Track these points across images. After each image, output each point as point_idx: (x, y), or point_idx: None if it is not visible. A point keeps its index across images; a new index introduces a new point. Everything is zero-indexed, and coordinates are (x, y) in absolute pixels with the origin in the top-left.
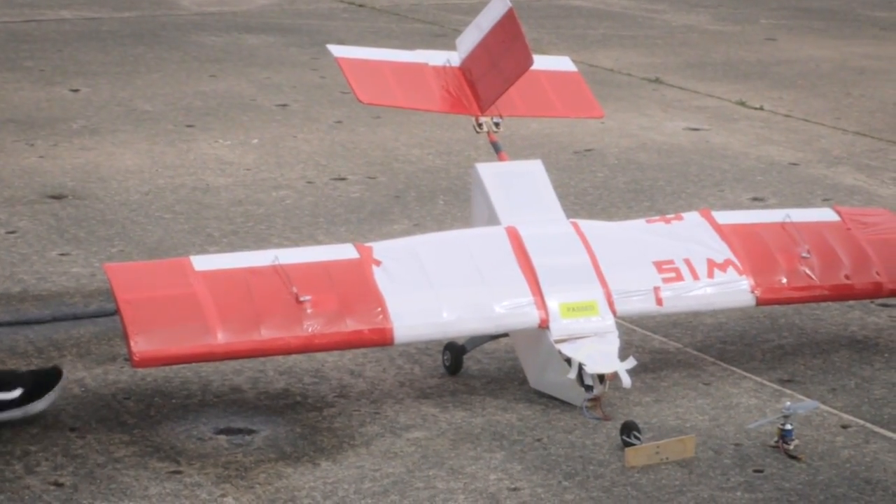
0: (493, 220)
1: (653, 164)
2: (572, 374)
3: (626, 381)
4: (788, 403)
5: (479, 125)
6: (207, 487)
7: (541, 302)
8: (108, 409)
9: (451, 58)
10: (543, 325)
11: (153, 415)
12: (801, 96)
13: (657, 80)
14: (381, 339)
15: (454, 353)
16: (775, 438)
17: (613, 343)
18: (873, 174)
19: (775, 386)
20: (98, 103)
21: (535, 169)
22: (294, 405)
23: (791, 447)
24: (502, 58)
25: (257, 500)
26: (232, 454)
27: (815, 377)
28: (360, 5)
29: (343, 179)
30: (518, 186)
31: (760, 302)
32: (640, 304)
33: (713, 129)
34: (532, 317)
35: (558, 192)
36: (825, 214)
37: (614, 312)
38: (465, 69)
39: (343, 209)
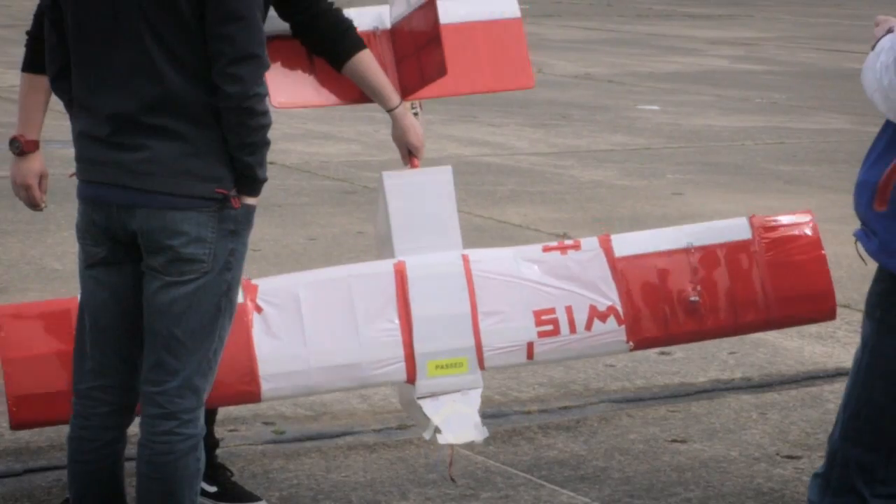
0: (388, 240)
1: None
2: (427, 435)
3: (479, 440)
4: None
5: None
6: None
7: (410, 359)
8: None
9: (382, 16)
10: (410, 382)
11: None
12: None
13: (565, 235)
14: (248, 399)
15: None
16: None
17: (474, 402)
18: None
19: None
20: (7, 262)
21: (442, 178)
22: None
23: None
24: (422, 49)
25: None
26: None
27: None
28: (271, 162)
29: None
30: (420, 202)
31: (635, 349)
32: (510, 359)
33: None
34: (399, 374)
35: None
36: (736, 231)
37: (482, 368)
38: (395, 38)
39: None
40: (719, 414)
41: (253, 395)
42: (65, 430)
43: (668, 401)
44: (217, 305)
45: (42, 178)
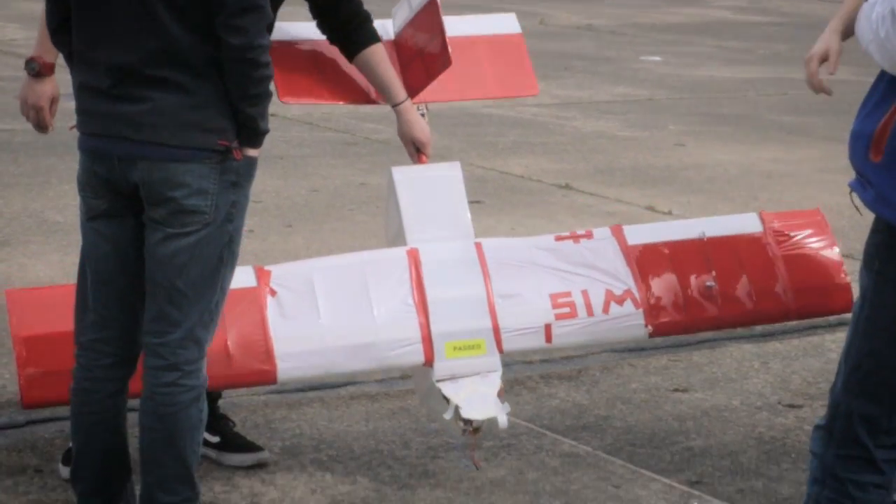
0: (400, 233)
1: None
2: (448, 415)
3: (503, 422)
4: None
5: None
6: None
7: (427, 340)
8: None
9: (386, 27)
10: (428, 364)
11: None
12: (710, 200)
13: (567, 186)
14: (264, 380)
15: None
16: None
17: (494, 383)
18: None
19: (684, 487)
20: (9, 215)
21: (451, 174)
22: None
23: None
24: (426, 48)
25: None
26: None
27: (724, 478)
28: (273, 114)
29: None
30: (430, 196)
31: (653, 335)
32: (529, 341)
33: None
34: (417, 356)
35: None
36: (748, 223)
37: (501, 350)
38: (398, 46)
39: None
40: (721, 363)
41: (269, 375)
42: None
43: (670, 350)
44: (219, 257)
45: (53, 101)
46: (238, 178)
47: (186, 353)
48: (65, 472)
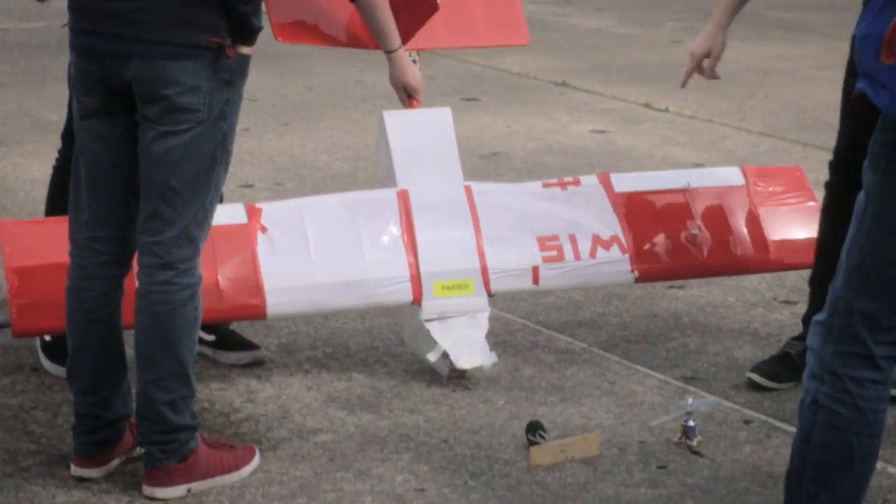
0: (390, 173)
1: (559, 166)
2: (434, 357)
3: (488, 365)
4: (691, 400)
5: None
6: (115, 494)
7: (416, 279)
8: (15, 420)
9: None
10: (416, 303)
11: (60, 424)
12: (707, 98)
13: (563, 84)
14: (254, 314)
15: None
16: (679, 435)
17: (482, 326)
18: None
19: (679, 383)
20: (4, 114)
21: (442, 119)
22: (201, 411)
23: (694, 443)
24: None
25: None
26: (138, 462)
27: (719, 374)
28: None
29: (250, 186)
30: (421, 139)
31: (640, 280)
32: (516, 283)
33: (619, 131)
34: (405, 294)
35: None
36: (731, 177)
37: (489, 291)
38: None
39: None
40: None
41: (258, 309)
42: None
43: None
44: (213, 155)
45: None
46: (231, 76)
47: (181, 251)
48: (47, 363)
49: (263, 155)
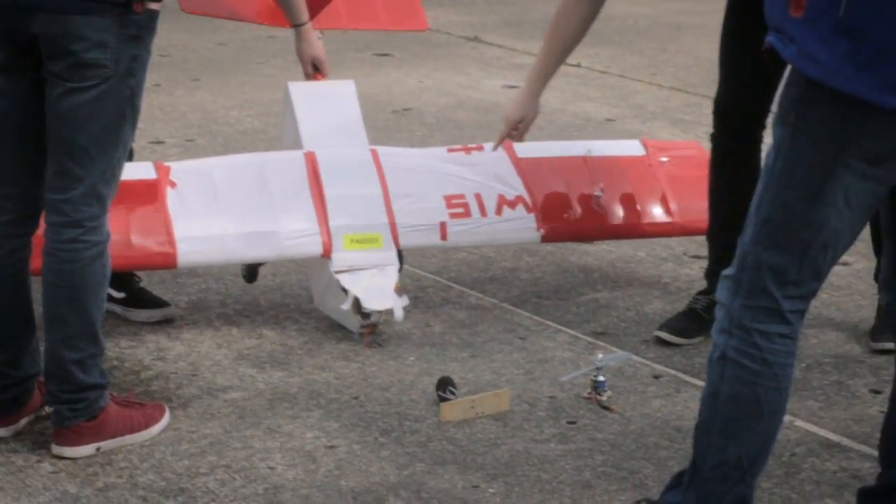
0: (297, 142)
1: (471, 121)
2: (345, 306)
3: (399, 315)
4: (601, 356)
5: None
6: (23, 454)
7: (325, 233)
8: None
9: None
10: (326, 256)
11: None
12: (618, 53)
13: (475, 39)
14: (165, 263)
15: (250, 266)
16: (588, 390)
17: (392, 276)
18: (688, 129)
19: (589, 339)
20: None
21: (346, 90)
22: (111, 369)
23: (604, 398)
24: None
25: (73, 465)
26: (46, 421)
27: (628, 329)
28: None
29: (161, 143)
30: (326, 108)
31: (546, 239)
32: (424, 238)
33: None
34: (315, 247)
35: None
36: (631, 148)
37: (398, 245)
38: None
39: None
40: None
41: (169, 258)
42: None
43: None
44: (120, 112)
45: None
46: (139, 31)
47: (89, 209)
48: None
49: (174, 111)
